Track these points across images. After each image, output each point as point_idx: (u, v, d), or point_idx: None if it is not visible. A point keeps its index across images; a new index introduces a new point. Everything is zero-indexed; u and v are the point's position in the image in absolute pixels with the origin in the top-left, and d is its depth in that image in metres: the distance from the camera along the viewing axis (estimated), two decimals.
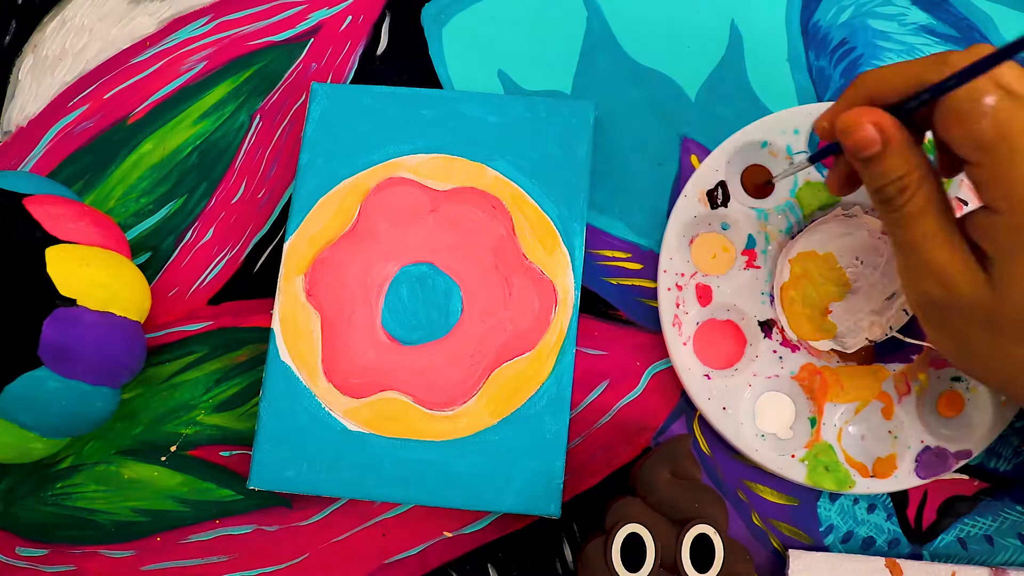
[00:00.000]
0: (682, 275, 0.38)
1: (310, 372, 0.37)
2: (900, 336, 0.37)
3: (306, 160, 0.39)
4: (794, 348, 0.37)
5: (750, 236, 0.38)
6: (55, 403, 0.34)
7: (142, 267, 0.40)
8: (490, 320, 0.37)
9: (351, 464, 0.36)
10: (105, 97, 0.43)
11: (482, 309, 0.38)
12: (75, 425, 0.36)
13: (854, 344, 0.37)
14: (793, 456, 0.36)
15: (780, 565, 0.37)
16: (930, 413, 0.37)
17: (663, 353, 0.38)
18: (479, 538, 0.37)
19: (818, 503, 0.37)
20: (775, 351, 0.37)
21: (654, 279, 0.39)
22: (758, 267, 0.38)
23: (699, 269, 0.38)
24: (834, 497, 0.37)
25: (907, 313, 0.37)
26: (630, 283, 0.40)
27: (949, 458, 0.36)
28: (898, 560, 0.35)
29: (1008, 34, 0.42)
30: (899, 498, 0.37)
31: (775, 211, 0.38)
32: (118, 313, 0.35)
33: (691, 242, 0.39)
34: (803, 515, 0.37)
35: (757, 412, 0.37)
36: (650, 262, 0.40)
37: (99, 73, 0.43)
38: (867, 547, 0.37)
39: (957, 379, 0.37)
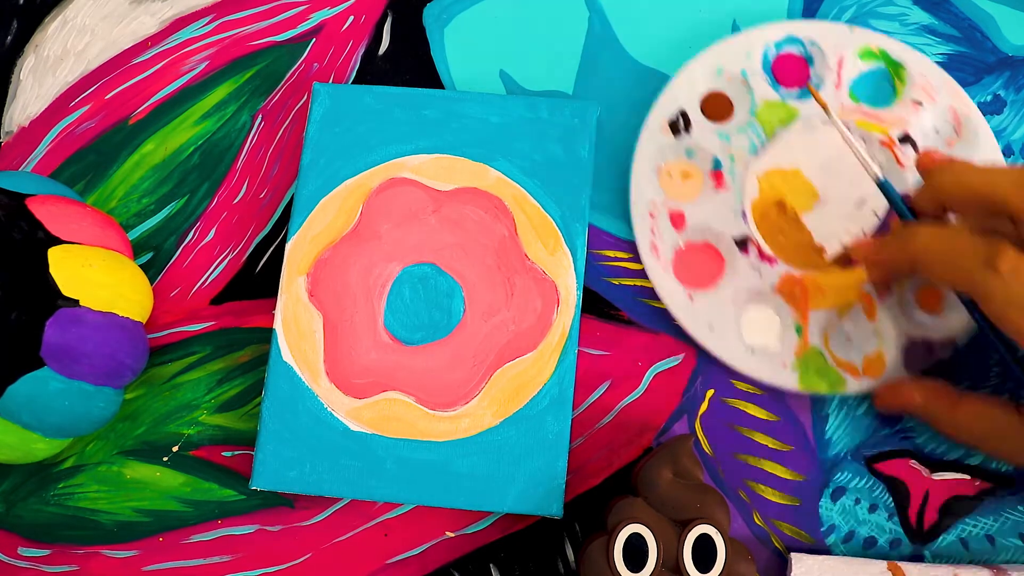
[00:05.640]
0: (654, 203, 0.39)
1: (312, 372, 0.37)
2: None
3: (308, 160, 0.39)
4: (772, 261, 0.38)
5: (715, 159, 0.39)
6: (57, 403, 0.34)
7: (144, 267, 0.40)
8: (492, 320, 0.37)
9: (353, 464, 0.36)
10: (107, 97, 0.43)
11: (484, 309, 0.38)
12: (77, 425, 0.36)
13: (830, 251, 0.38)
14: (784, 365, 0.37)
15: (781, 565, 0.37)
16: (911, 308, 0.37)
17: (665, 353, 0.38)
18: (481, 538, 0.37)
19: (819, 503, 0.37)
20: (753, 266, 0.38)
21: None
22: (727, 187, 0.39)
23: (670, 197, 0.39)
24: (836, 497, 0.37)
25: (877, 216, 0.39)
26: (632, 283, 0.40)
27: (935, 348, 0.37)
28: (900, 563, 0.35)
29: (1009, 34, 0.42)
30: (900, 498, 0.37)
31: (737, 131, 0.39)
32: (120, 313, 0.35)
33: (658, 171, 0.40)
34: (804, 515, 0.37)
35: (743, 327, 0.38)
36: None
37: (101, 73, 0.43)
38: (868, 547, 0.37)
39: None
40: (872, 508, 0.37)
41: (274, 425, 0.37)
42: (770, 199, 0.39)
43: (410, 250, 0.38)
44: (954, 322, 0.37)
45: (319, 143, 0.39)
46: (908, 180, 0.38)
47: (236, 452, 0.38)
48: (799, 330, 0.37)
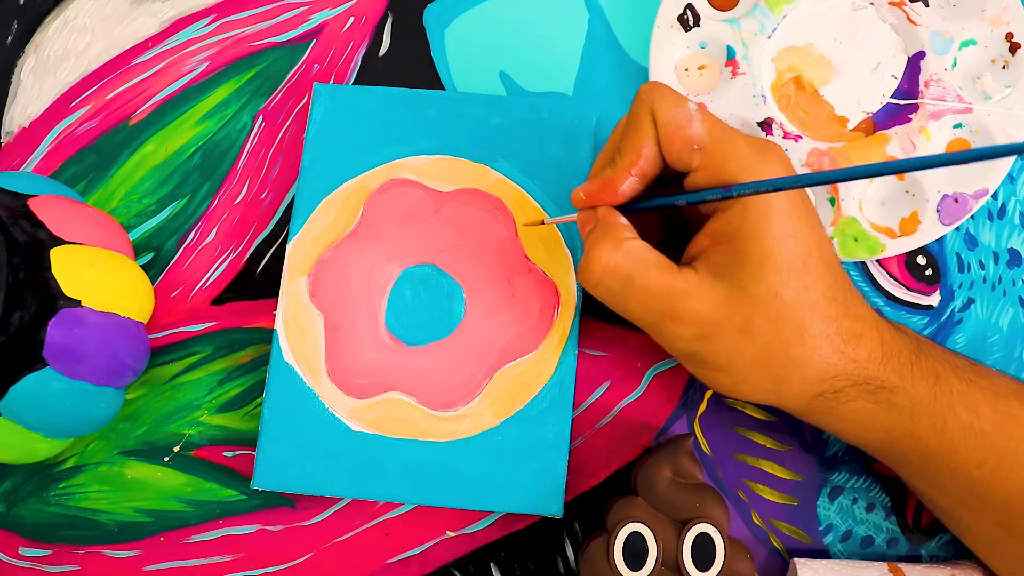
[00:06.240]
0: None
1: (313, 373, 0.37)
2: (894, 100, 0.39)
3: (308, 161, 0.39)
4: (796, 138, 0.39)
5: (728, 47, 0.40)
6: (59, 403, 0.34)
7: (145, 268, 0.40)
8: (493, 321, 0.38)
9: (354, 464, 0.36)
10: (107, 98, 0.43)
11: (485, 310, 0.38)
12: (79, 425, 0.36)
13: (853, 120, 0.39)
14: None
15: (780, 564, 0.37)
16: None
17: (665, 353, 0.39)
18: (482, 537, 0.38)
19: (817, 503, 0.37)
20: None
21: None
22: (743, 73, 0.40)
23: (690, 91, 0.40)
24: (833, 496, 0.37)
25: (895, 77, 0.39)
26: None
27: (968, 200, 0.37)
28: (899, 564, 0.35)
29: None
30: (897, 497, 0.37)
31: (745, 17, 0.40)
32: (122, 314, 0.35)
33: (675, 70, 0.40)
34: (803, 514, 0.37)
35: None
36: None
37: (101, 73, 0.43)
38: (866, 546, 0.37)
39: (959, 126, 0.38)
40: (869, 507, 0.37)
41: (275, 425, 0.37)
42: (787, 78, 0.40)
43: (411, 251, 0.38)
44: (986, 171, 0.38)
45: (320, 144, 0.39)
46: (923, 37, 0.39)
47: (237, 452, 0.39)
48: (832, 201, 0.38)
